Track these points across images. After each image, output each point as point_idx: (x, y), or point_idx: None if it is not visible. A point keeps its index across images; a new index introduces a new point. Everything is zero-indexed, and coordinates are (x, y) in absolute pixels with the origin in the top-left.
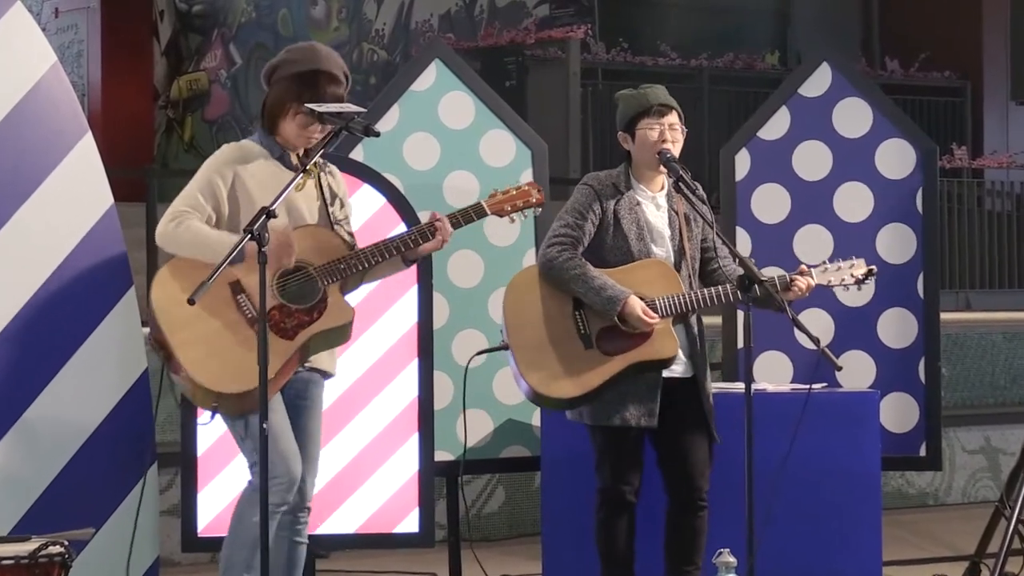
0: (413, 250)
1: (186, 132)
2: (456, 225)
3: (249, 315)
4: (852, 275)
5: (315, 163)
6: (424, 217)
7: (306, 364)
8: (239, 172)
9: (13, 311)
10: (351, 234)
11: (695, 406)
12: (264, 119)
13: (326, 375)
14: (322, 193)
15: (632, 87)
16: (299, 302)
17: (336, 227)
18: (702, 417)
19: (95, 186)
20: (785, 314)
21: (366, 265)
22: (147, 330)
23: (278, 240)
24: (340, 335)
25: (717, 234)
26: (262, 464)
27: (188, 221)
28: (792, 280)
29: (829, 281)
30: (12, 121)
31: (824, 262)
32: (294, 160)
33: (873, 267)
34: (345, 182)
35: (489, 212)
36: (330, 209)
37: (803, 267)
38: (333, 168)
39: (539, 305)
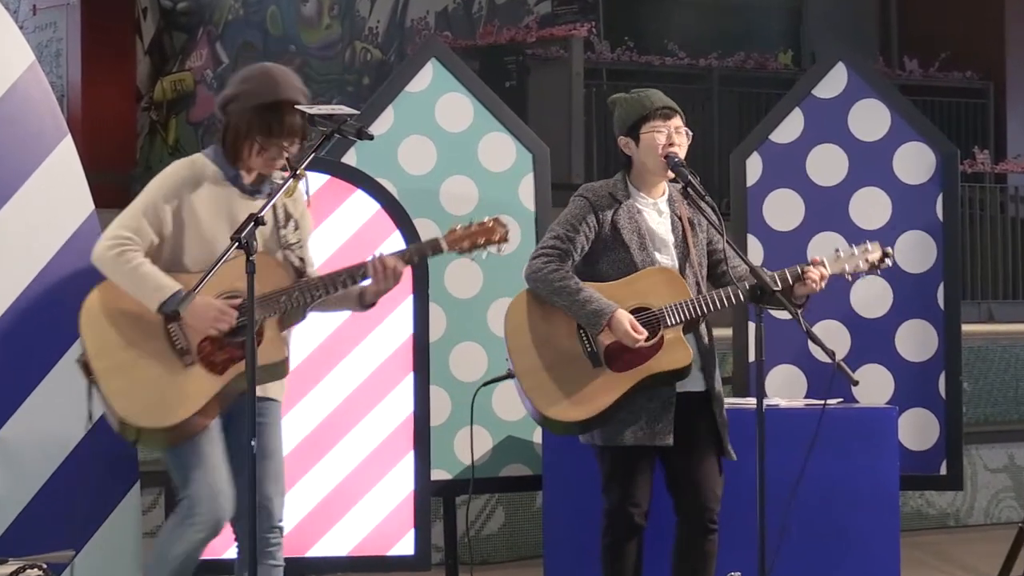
0: (366, 290)
1: (170, 135)
2: (408, 263)
3: (179, 346)
4: (867, 260)
5: (277, 182)
6: (420, 225)
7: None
8: (187, 195)
9: None
10: (302, 260)
11: (708, 422)
12: (225, 148)
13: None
14: (275, 213)
15: (633, 88)
16: (233, 335)
17: (286, 251)
18: (715, 434)
19: (75, 192)
20: (798, 325)
21: (306, 301)
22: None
23: (196, 313)
24: (273, 373)
25: (728, 243)
26: (250, 483)
27: (129, 254)
28: (804, 271)
29: (843, 269)
30: None
31: (837, 250)
32: (246, 180)
33: (889, 249)
34: (304, 198)
35: (446, 249)
36: (281, 231)
37: (815, 258)
38: (291, 184)
39: (542, 325)
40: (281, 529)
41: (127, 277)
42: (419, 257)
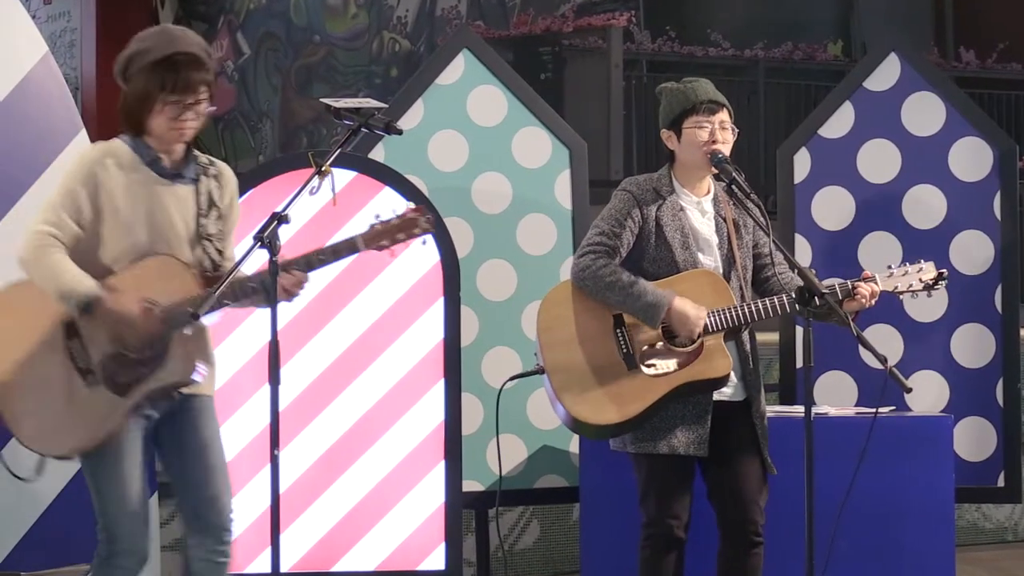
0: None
1: None
2: (319, 264)
3: (81, 365)
4: (920, 280)
5: (203, 165)
6: (451, 224)
7: (182, 392)
8: (102, 179)
9: None
10: (221, 252)
11: (747, 432)
12: (127, 120)
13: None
14: (197, 199)
15: (676, 80)
16: (139, 351)
17: (203, 242)
18: (755, 444)
19: None
20: (849, 329)
21: (219, 306)
22: None
23: (113, 318)
24: (180, 388)
25: (774, 242)
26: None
27: (49, 249)
28: (855, 287)
29: (895, 287)
30: None
31: (889, 267)
32: (166, 164)
33: (944, 271)
34: (236, 183)
35: (363, 247)
36: (201, 220)
37: (866, 273)
38: (221, 168)
39: (576, 322)
40: (231, 531)
41: (45, 276)
42: (332, 259)
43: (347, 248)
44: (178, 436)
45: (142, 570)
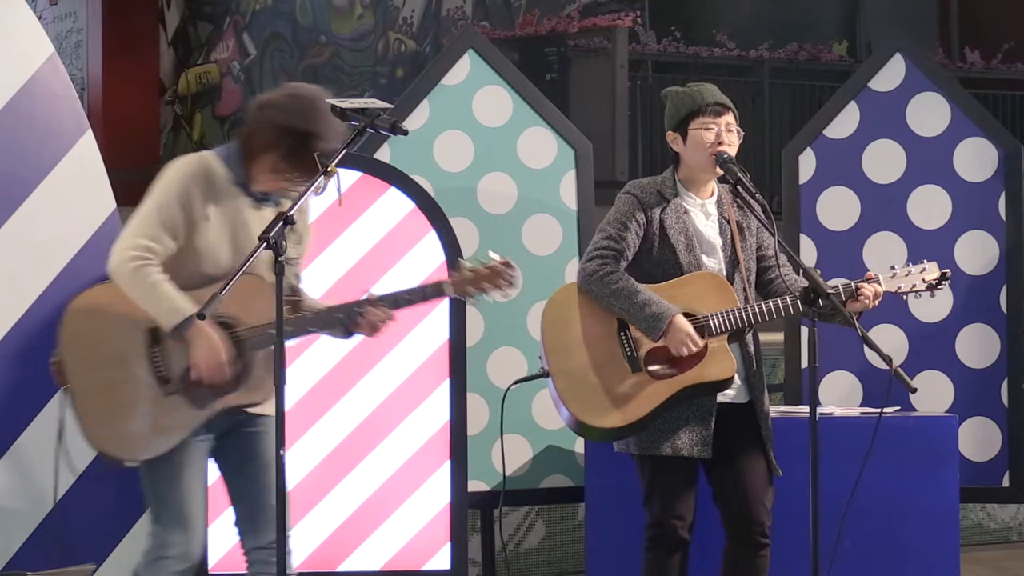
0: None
1: (195, 130)
2: (405, 304)
3: (162, 373)
4: (924, 280)
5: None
6: (457, 224)
7: (249, 410)
8: (195, 194)
9: (8, 325)
10: (298, 277)
11: (752, 434)
12: (243, 145)
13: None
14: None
15: (683, 81)
16: (211, 379)
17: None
18: (760, 446)
19: (96, 189)
20: (854, 330)
21: (301, 334)
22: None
23: (202, 348)
24: (252, 407)
25: (779, 243)
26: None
27: (147, 269)
28: (858, 288)
29: (899, 288)
30: (5, 119)
31: (892, 267)
32: (256, 187)
33: (947, 271)
34: (309, 217)
35: (449, 293)
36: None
37: (870, 273)
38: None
39: (580, 325)
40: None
41: (143, 295)
42: (419, 301)
43: (434, 292)
44: (242, 453)
45: (191, 570)
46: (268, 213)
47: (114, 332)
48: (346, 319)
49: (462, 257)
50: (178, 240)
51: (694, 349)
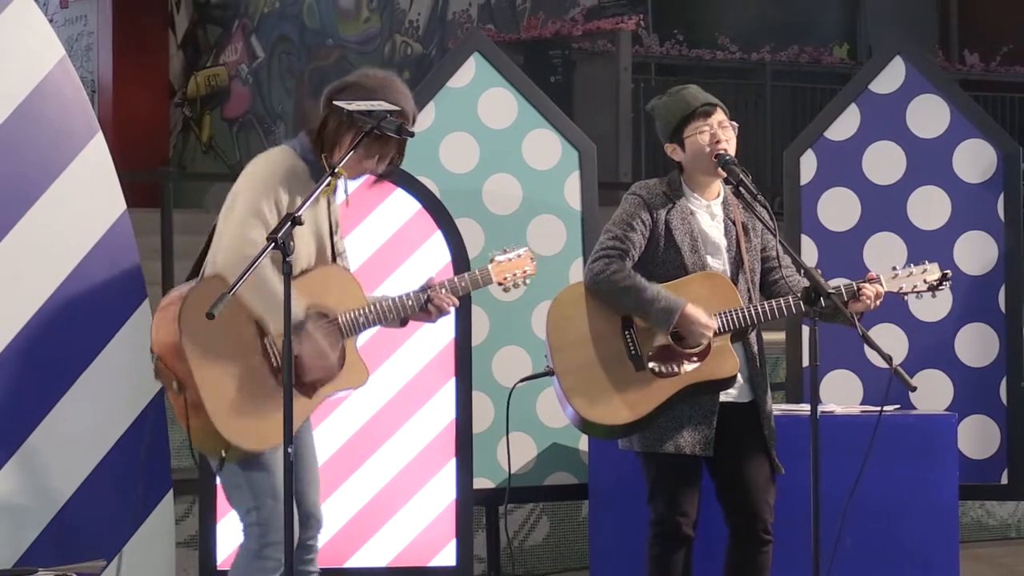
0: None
1: (204, 132)
2: (463, 292)
3: (274, 363)
4: (925, 281)
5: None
6: (462, 225)
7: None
8: (293, 185)
9: (18, 326)
10: (348, 269)
11: (755, 432)
12: (321, 141)
13: None
14: (330, 221)
15: (685, 84)
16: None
17: (338, 260)
18: (762, 444)
19: (106, 191)
20: (854, 329)
21: (382, 322)
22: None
23: (310, 350)
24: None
25: (780, 243)
26: (287, 497)
27: (267, 269)
28: (860, 288)
29: (900, 288)
30: (16, 120)
31: (894, 268)
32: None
33: (948, 272)
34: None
35: (495, 280)
36: (334, 239)
37: (871, 274)
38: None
39: (586, 324)
40: (317, 542)
41: (261, 292)
42: (473, 288)
43: (484, 279)
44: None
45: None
46: (336, 205)
47: (229, 327)
48: (415, 306)
49: (467, 256)
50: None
51: (710, 335)
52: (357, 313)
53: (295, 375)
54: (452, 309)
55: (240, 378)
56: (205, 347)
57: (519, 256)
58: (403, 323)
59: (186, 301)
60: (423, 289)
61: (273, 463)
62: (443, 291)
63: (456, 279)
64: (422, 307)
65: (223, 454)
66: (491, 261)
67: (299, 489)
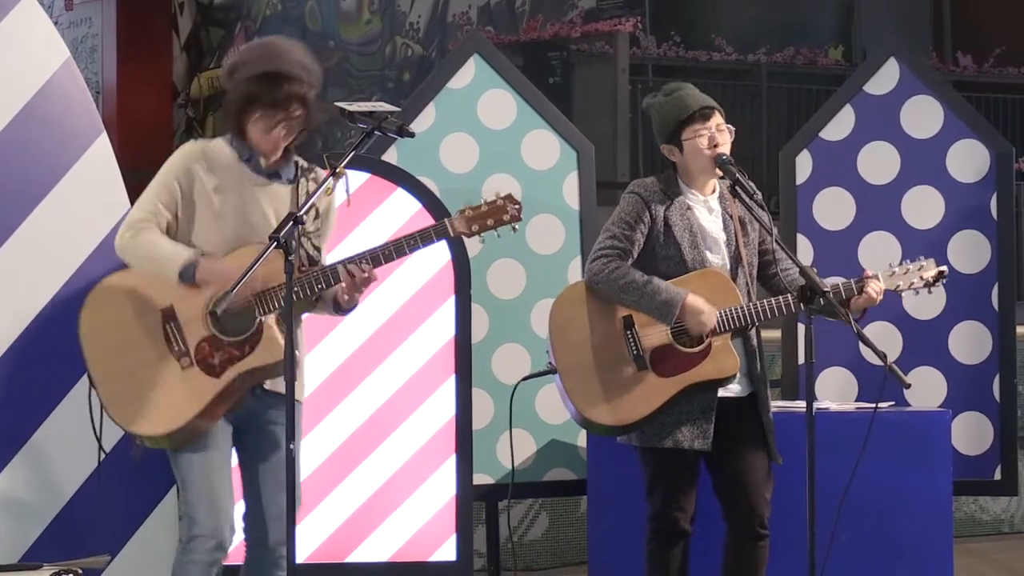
0: (339, 296)
1: (208, 133)
2: (413, 250)
3: (176, 349)
4: (921, 277)
5: (302, 168)
6: None
7: (265, 386)
8: (199, 173)
9: (23, 324)
10: (318, 249)
11: (754, 425)
12: (228, 121)
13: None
14: (296, 200)
15: (660, 92)
16: (232, 334)
17: (301, 239)
18: (761, 437)
19: (111, 190)
20: (849, 327)
21: (306, 294)
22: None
23: (213, 276)
24: (270, 373)
25: (776, 242)
26: (288, 497)
27: (144, 232)
28: (863, 284)
29: (897, 286)
30: (22, 121)
31: (891, 265)
32: (263, 164)
33: (944, 268)
34: (344, 196)
35: (453, 232)
36: (303, 219)
37: (868, 272)
38: (320, 174)
39: (587, 324)
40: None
41: (144, 256)
42: (423, 243)
43: (439, 231)
44: (261, 444)
45: (223, 556)
46: (280, 190)
47: (130, 317)
48: (332, 277)
49: (467, 256)
50: (177, 213)
51: (712, 324)
52: (277, 289)
53: (188, 342)
54: (366, 276)
55: (137, 368)
56: (103, 341)
57: (490, 203)
58: (338, 308)
59: (87, 298)
60: (346, 260)
61: (205, 461)
62: (363, 263)
63: (406, 237)
64: (336, 278)
65: (137, 441)
66: (458, 212)
67: (269, 493)
